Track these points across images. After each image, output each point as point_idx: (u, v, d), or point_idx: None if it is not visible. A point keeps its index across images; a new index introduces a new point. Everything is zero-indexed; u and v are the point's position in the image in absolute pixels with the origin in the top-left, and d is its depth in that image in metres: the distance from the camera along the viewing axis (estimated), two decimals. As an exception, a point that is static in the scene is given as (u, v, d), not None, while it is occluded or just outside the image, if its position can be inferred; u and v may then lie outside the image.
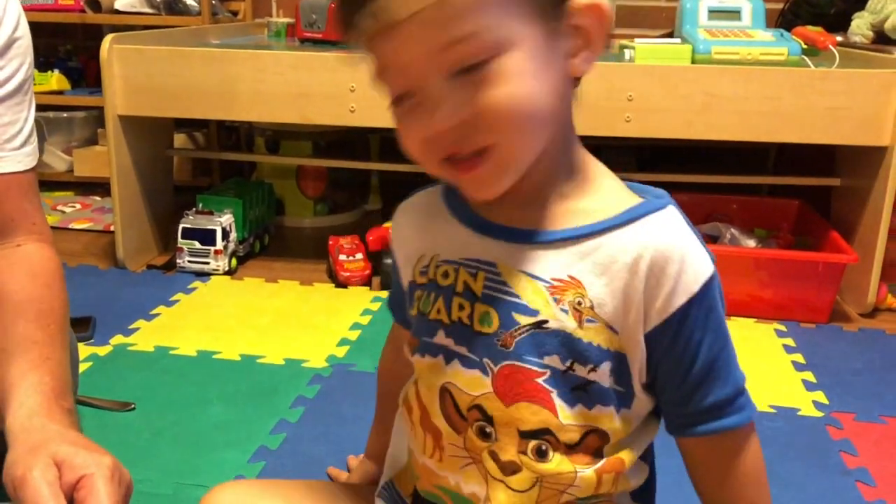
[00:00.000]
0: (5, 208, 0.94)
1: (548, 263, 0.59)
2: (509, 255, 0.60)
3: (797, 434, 1.21)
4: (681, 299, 0.57)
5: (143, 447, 1.12)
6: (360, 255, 1.77)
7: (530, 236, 0.59)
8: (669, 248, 0.57)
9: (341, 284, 1.74)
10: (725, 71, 1.60)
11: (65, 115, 2.35)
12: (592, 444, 0.61)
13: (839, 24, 1.97)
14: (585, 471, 0.60)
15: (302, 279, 1.78)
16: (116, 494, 0.72)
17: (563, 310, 0.58)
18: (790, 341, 1.53)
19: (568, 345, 0.58)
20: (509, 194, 0.59)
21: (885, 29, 1.81)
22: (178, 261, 1.78)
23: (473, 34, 0.51)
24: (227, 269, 1.78)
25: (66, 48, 2.52)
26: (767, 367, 1.43)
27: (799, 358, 1.46)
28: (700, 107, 1.60)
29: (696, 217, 1.86)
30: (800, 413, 1.27)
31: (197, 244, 1.76)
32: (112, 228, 2.00)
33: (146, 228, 1.89)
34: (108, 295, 1.65)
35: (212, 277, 1.76)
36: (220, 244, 1.76)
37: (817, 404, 1.29)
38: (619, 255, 0.58)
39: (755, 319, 1.63)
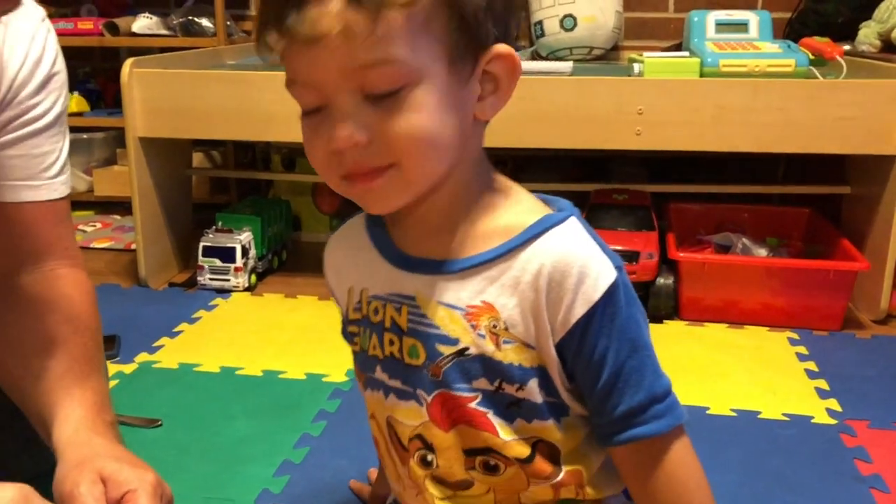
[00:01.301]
0: (42, 234, 0.98)
1: (461, 291, 0.60)
2: (426, 287, 0.62)
3: (811, 441, 1.22)
4: (581, 309, 0.58)
5: (171, 463, 1.15)
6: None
7: (443, 266, 0.61)
8: (566, 260, 0.58)
9: (359, 299, 1.77)
10: (734, 83, 1.62)
11: (84, 136, 2.40)
12: (545, 454, 0.62)
13: (846, 33, 1.99)
14: (541, 484, 0.63)
15: (320, 294, 1.81)
16: None
17: (480, 335, 0.60)
18: (803, 349, 1.55)
19: (491, 367, 0.60)
20: (420, 224, 0.62)
21: (892, 38, 1.83)
22: (198, 278, 1.82)
23: (385, 62, 0.53)
24: (246, 285, 1.81)
25: (84, 70, 2.57)
26: (781, 375, 1.45)
27: (812, 366, 1.48)
28: (710, 119, 1.62)
29: (706, 227, 1.90)
30: (813, 421, 1.28)
31: (217, 262, 1.80)
32: (133, 247, 2.04)
33: (167, 246, 1.92)
34: (131, 313, 1.68)
35: (232, 294, 1.80)
36: (239, 261, 1.79)
37: (831, 412, 1.31)
38: (522, 275, 0.59)
39: (768, 328, 1.65)
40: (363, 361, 0.68)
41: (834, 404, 1.33)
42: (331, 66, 0.53)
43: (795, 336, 1.61)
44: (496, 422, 0.61)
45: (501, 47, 0.58)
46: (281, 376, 1.42)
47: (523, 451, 0.62)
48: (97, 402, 0.89)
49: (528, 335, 0.60)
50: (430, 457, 0.64)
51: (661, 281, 1.68)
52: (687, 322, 1.68)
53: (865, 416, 1.29)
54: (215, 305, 1.74)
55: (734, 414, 1.29)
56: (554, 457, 0.62)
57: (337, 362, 1.46)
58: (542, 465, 0.62)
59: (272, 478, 1.11)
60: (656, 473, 0.62)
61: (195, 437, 1.22)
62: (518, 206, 0.63)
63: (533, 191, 0.66)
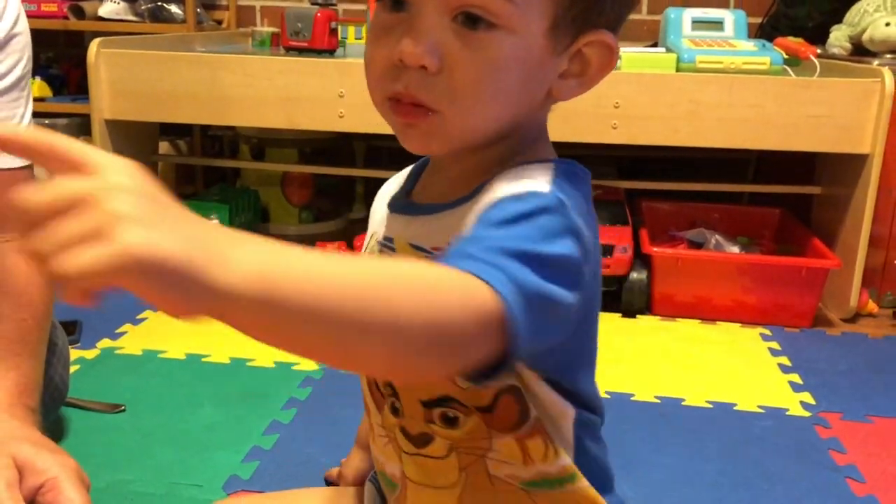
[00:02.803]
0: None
1: (430, 234, 0.58)
2: (403, 229, 0.60)
3: (786, 433, 1.22)
4: (494, 197, 0.53)
5: (135, 448, 1.10)
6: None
7: (421, 210, 0.60)
8: (515, 179, 0.53)
9: (329, 290, 1.73)
10: (710, 79, 1.63)
11: (46, 121, 2.33)
12: (511, 404, 0.58)
13: (817, 36, 2.01)
14: (504, 437, 0.58)
15: (289, 285, 1.77)
16: (85, 497, 0.72)
17: None
18: (775, 345, 1.55)
19: None
20: (445, 178, 0.59)
21: (862, 41, 1.85)
22: (163, 266, 1.77)
23: None
24: (213, 274, 1.77)
25: (47, 56, 2.50)
26: (754, 369, 1.45)
27: (785, 360, 1.48)
28: (685, 114, 1.62)
29: (678, 225, 1.90)
30: (788, 413, 1.28)
31: (183, 249, 1.75)
32: (95, 235, 1.99)
33: (131, 234, 1.87)
34: (92, 300, 1.63)
35: (198, 283, 1.75)
36: (206, 249, 1.75)
37: (805, 405, 1.31)
38: (479, 205, 0.54)
39: (740, 324, 1.65)
40: None
41: (807, 397, 1.33)
42: None
43: (767, 332, 1.61)
44: None
45: (607, 35, 0.55)
46: (249, 364, 1.38)
47: (485, 398, 0.58)
48: (20, 384, 0.85)
49: None
50: (397, 404, 0.62)
51: (634, 276, 1.67)
52: (660, 317, 1.67)
53: (838, 409, 1.30)
54: (181, 294, 1.69)
55: (710, 406, 1.29)
56: (521, 402, 0.58)
57: (307, 351, 1.43)
58: (505, 414, 0.58)
59: (241, 464, 1.07)
60: None
61: (160, 423, 1.17)
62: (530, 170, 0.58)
63: None
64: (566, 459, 0.60)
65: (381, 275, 0.42)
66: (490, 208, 0.51)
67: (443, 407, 0.59)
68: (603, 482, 0.64)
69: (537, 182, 0.53)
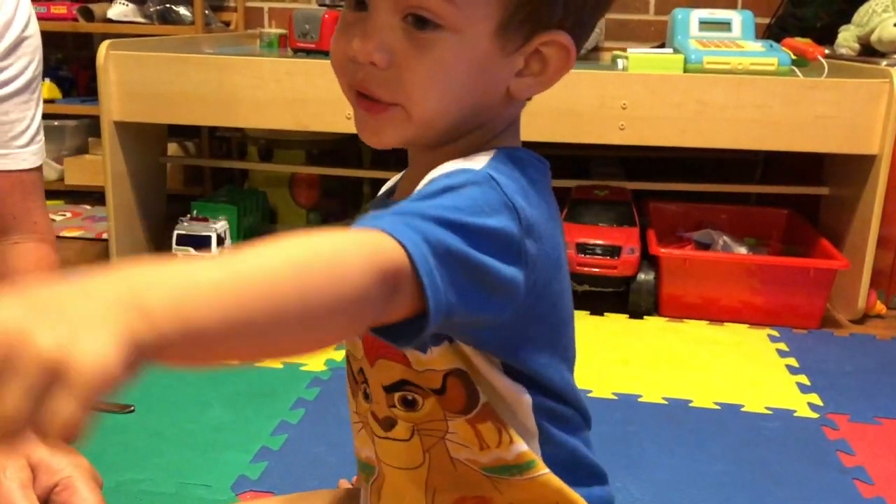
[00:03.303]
0: (7, 205, 0.94)
1: None
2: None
3: (794, 434, 1.22)
4: (432, 176, 0.53)
5: (145, 448, 1.11)
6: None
7: (387, 204, 0.60)
8: (449, 166, 0.54)
9: (336, 291, 1.74)
10: (717, 80, 1.63)
11: (55, 123, 2.34)
12: (458, 386, 0.59)
13: (825, 37, 2.00)
14: (457, 419, 0.60)
15: (297, 286, 1.77)
16: (99, 496, 0.72)
17: None
18: (783, 346, 1.55)
19: None
20: (414, 175, 0.59)
21: (871, 41, 1.85)
22: (172, 267, 1.77)
23: None
24: (221, 275, 1.78)
25: (56, 57, 2.51)
26: (762, 370, 1.44)
27: (792, 362, 1.48)
28: (692, 115, 1.62)
29: (686, 226, 1.90)
30: (796, 414, 1.28)
31: (191, 250, 1.76)
32: (104, 236, 2.00)
33: (139, 235, 1.88)
34: (102, 300, 1.64)
35: (206, 284, 1.76)
36: (214, 250, 1.75)
37: (812, 406, 1.31)
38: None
39: (748, 325, 1.65)
40: None
41: (815, 399, 1.33)
42: None
43: (775, 333, 1.61)
44: (408, 352, 0.59)
45: (562, 36, 0.55)
46: (257, 365, 1.39)
47: (435, 381, 0.59)
48: None
49: None
50: (368, 390, 0.63)
51: (641, 277, 1.67)
52: (667, 318, 1.67)
53: (846, 411, 1.29)
54: (189, 295, 1.70)
55: (718, 407, 1.29)
56: (470, 388, 0.59)
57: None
58: (455, 397, 0.59)
59: (249, 464, 1.08)
60: None
61: (169, 423, 1.18)
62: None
63: None
64: (522, 446, 0.60)
65: (284, 264, 0.41)
66: (422, 187, 0.52)
67: (401, 391, 0.61)
68: (580, 475, 0.63)
69: (472, 163, 0.54)
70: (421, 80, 0.54)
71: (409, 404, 0.61)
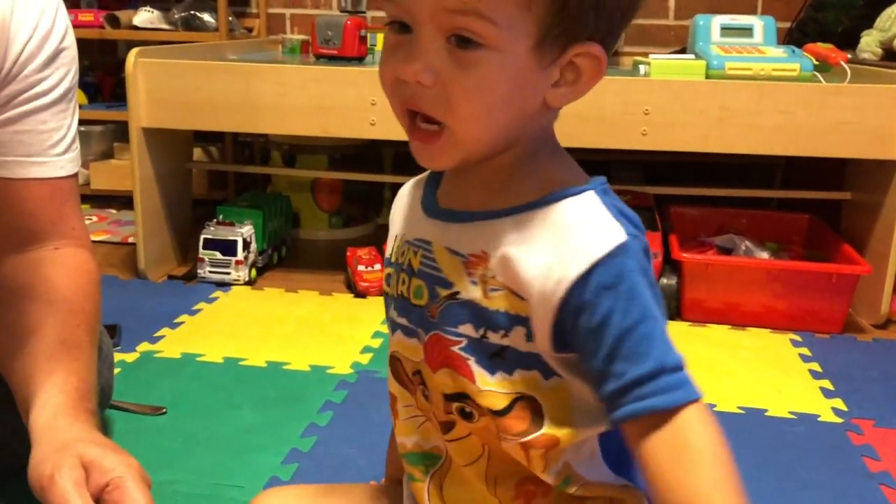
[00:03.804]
0: (46, 212, 0.96)
1: (467, 240, 0.62)
2: (441, 233, 0.64)
3: (818, 439, 1.22)
4: (581, 267, 0.56)
5: (178, 450, 1.13)
6: (378, 266, 1.79)
7: (460, 217, 0.63)
8: (572, 223, 0.58)
9: (360, 294, 1.76)
10: (739, 86, 1.63)
11: (82, 129, 2.37)
12: (525, 411, 0.61)
13: (847, 42, 2.01)
14: (511, 440, 0.62)
15: (321, 289, 1.80)
16: (148, 496, 0.74)
17: (473, 282, 0.61)
18: (806, 351, 1.56)
19: (477, 314, 0.61)
20: (463, 182, 0.64)
21: (893, 46, 1.85)
22: (199, 271, 1.80)
23: (478, 15, 0.54)
24: (247, 279, 1.80)
25: (83, 64, 2.54)
26: (785, 375, 1.45)
27: (816, 367, 1.48)
28: (715, 121, 1.63)
29: (707, 230, 1.91)
30: (820, 419, 1.29)
31: (218, 255, 1.78)
32: (130, 240, 2.03)
33: (166, 239, 1.91)
34: (131, 304, 1.67)
35: (232, 287, 1.78)
36: (241, 255, 1.78)
37: (836, 411, 1.31)
38: (523, 231, 0.59)
39: (770, 330, 1.65)
40: (387, 301, 0.71)
41: (839, 404, 1.34)
42: (426, 0, 0.55)
43: (798, 338, 1.62)
44: (476, 370, 0.61)
45: (595, 48, 0.58)
46: (285, 367, 1.41)
47: (499, 403, 0.61)
48: (80, 389, 0.87)
49: (518, 285, 0.59)
50: (426, 392, 0.66)
51: (663, 281, 1.68)
52: (689, 323, 1.68)
53: (871, 416, 1.30)
54: (216, 298, 1.72)
55: (742, 412, 1.30)
56: (536, 414, 0.61)
57: (342, 355, 1.45)
58: (515, 421, 0.61)
59: (280, 465, 1.10)
60: (667, 450, 0.56)
61: (201, 425, 1.20)
62: (552, 177, 0.62)
63: None
64: (568, 471, 0.63)
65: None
66: (588, 294, 0.56)
67: (460, 402, 0.63)
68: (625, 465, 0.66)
69: (604, 230, 0.57)
70: (466, 97, 0.56)
71: (466, 416, 0.64)
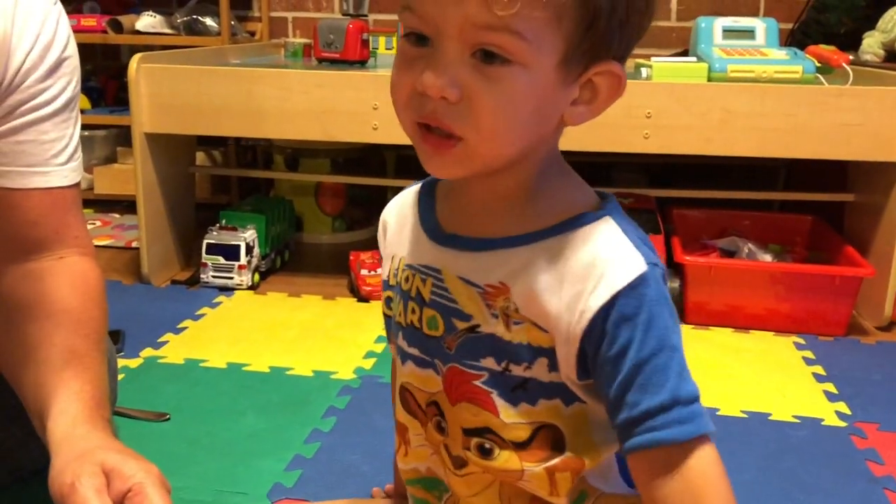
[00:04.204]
0: (50, 221, 0.97)
1: (482, 270, 0.61)
2: (452, 261, 0.62)
3: (822, 443, 1.22)
4: (603, 298, 0.56)
5: (181, 456, 1.13)
6: (381, 270, 1.79)
7: (471, 244, 0.62)
8: (593, 254, 0.58)
9: (363, 299, 1.76)
10: (742, 88, 1.63)
11: (85, 133, 2.38)
12: (546, 440, 0.61)
13: (849, 43, 2.01)
14: (534, 468, 0.61)
15: (324, 294, 1.80)
16: (169, 502, 0.74)
17: (493, 315, 0.60)
18: (809, 354, 1.55)
19: (500, 347, 0.60)
20: (467, 202, 0.62)
21: (895, 48, 1.85)
22: (202, 276, 1.81)
23: (509, 31, 0.53)
24: (250, 283, 1.80)
25: (86, 69, 2.55)
26: (788, 378, 1.45)
27: (819, 370, 1.48)
28: (717, 123, 1.63)
29: (709, 233, 1.91)
30: (824, 423, 1.28)
31: (221, 259, 1.79)
32: (133, 245, 2.03)
33: (169, 244, 1.91)
34: (134, 309, 1.67)
35: (235, 292, 1.78)
36: (244, 259, 1.78)
37: (840, 415, 1.31)
38: (544, 262, 0.59)
39: (774, 333, 1.65)
40: (393, 327, 0.69)
41: (843, 407, 1.34)
42: (457, 12, 0.53)
43: (801, 341, 1.61)
44: (499, 403, 0.61)
45: (616, 66, 0.58)
46: (288, 373, 1.41)
47: (522, 434, 0.61)
48: (95, 398, 0.87)
49: (541, 318, 0.59)
50: (443, 423, 0.65)
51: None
52: (692, 326, 1.68)
53: (875, 419, 1.30)
54: (219, 303, 1.73)
55: (745, 415, 1.29)
56: (557, 442, 0.61)
57: (345, 360, 1.46)
58: (537, 450, 0.61)
59: (284, 472, 1.10)
60: (673, 486, 0.56)
61: (204, 431, 1.20)
62: (564, 201, 0.62)
63: None
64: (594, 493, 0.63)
65: None
66: (609, 325, 0.57)
67: (481, 437, 0.62)
68: None
69: (625, 260, 0.57)
70: (491, 113, 0.55)
71: (485, 452, 0.62)
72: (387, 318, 0.70)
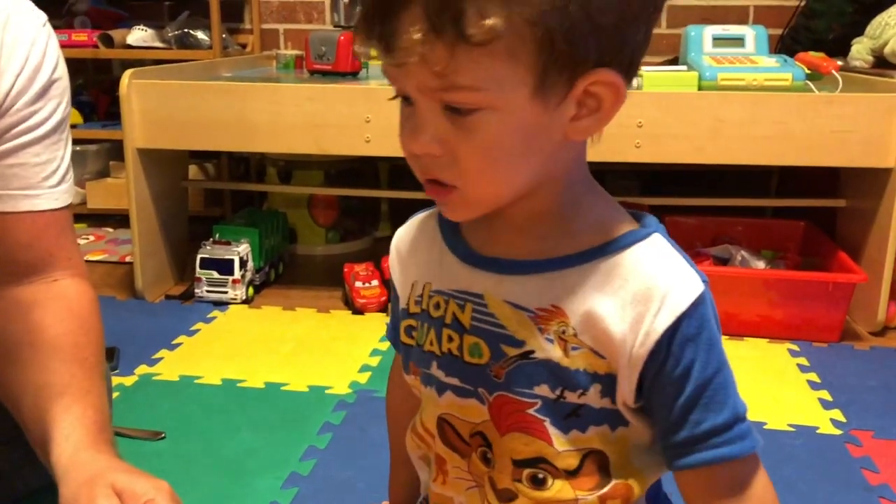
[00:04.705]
0: (43, 244, 0.96)
1: (531, 293, 0.59)
2: (495, 285, 0.61)
3: (817, 452, 1.23)
4: (668, 320, 0.56)
5: (178, 475, 1.12)
6: (375, 282, 1.79)
7: (515, 267, 0.60)
8: (654, 274, 0.57)
9: (358, 311, 1.76)
10: (732, 97, 1.64)
11: (77, 148, 2.36)
12: (594, 467, 0.61)
13: (838, 49, 2.01)
14: (588, 497, 0.61)
15: (319, 307, 1.80)
16: None
17: (548, 339, 0.58)
18: (804, 360, 1.56)
19: (556, 374, 0.59)
20: (499, 226, 0.61)
21: (884, 54, 1.86)
22: (196, 290, 1.80)
23: (461, 87, 0.52)
24: (244, 297, 1.80)
25: (77, 83, 2.55)
26: (783, 386, 1.45)
27: (814, 377, 1.48)
28: (709, 132, 1.64)
29: (702, 239, 1.91)
30: (819, 431, 1.29)
31: (215, 274, 1.79)
32: (127, 259, 2.03)
33: (163, 259, 1.91)
34: (128, 325, 1.67)
35: (230, 306, 1.78)
36: (237, 273, 1.78)
37: (835, 422, 1.31)
38: (602, 284, 0.58)
39: (768, 340, 1.66)
40: (418, 357, 0.66)
41: (838, 415, 1.34)
42: (412, 82, 0.54)
43: (795, 348, 1.62)
44: (552, 431, 0.60)
45: (606, 74, 0.54)
46: (284, 388, 1.41)
47: (573, 462, 0.60)
48: (98, 422, 0.87)
49: (598, 344, 0.58)
50: (489, 454, 0.63)
51: (660, 293, 1.68)
52: (687, 334, 1.68)
53: (870, 427, 1.30)
54: (213, 318, 1.73)
55: (740, 424, 1.30)
56: (603, 468, 0.61)
57: (340, 374, 1.46)
58: (587, 478, 0.61)
59: (280, 490, 1.10)
60: (735, 500, 0.59)
61: (200, 449, 1.20)
62: (603, 218, 0.61)
63: None
64: None
65: None
66: (675, 346, 0.57)
67: (533, 468, 0.61)
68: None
69: (685, 281, 0.58)
70: (473, 161, 0.55)
71: (538, 482, 0.61)
72: (406, 347, 0.67)
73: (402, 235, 0.70)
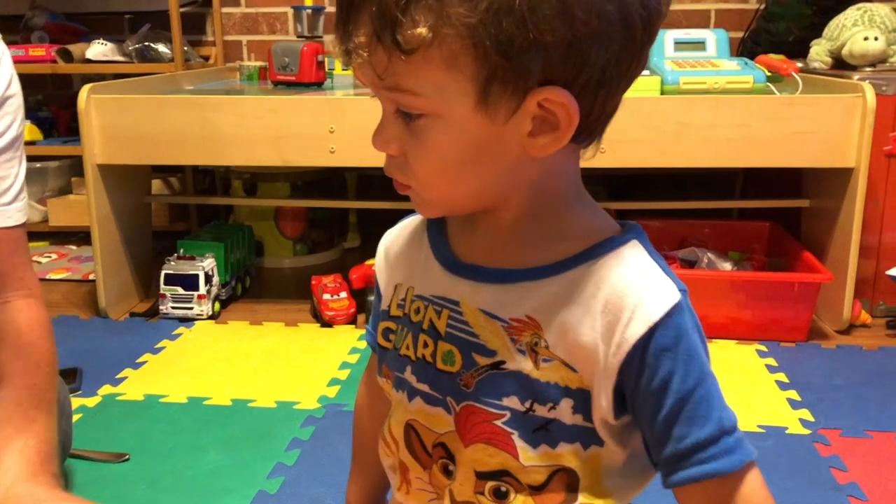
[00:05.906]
0: None
1: (506, 303, 0.58)
2: (472, 293, 0.60)
3: (787, 452, 1.23)
4: (640, 329, 0.54)
5: (142, 498, 1.11)
6: (343, 294, 1.78)
7: (493, 276, 0.59)
8: (626, 281, 0.56)
9: (326, 324, 1.74)
10: (695, 100, 1.65)
11: (38, 165, 2.34)
12: (561, 485, 0.59)
13: (798, 51, 2.04)
14: None
15: (286, 320, 1.78)
16: None
17: (520, 350, 0.57)
18: (772, 361, 1.57)
19: (526, 386, 0.57)
20: (477, 232, 0.60)
21: (842, 55, 1.88)
22: (161, 307, 1.78)
23: (403, 91, 0.53)
24: (210, 313, 1.78)
25: (36, 98, 2.51)
26: (752, 387, 1.46)
27: (782, 377, 1.49)
28: (672, 136, 1.64)
29: (669, 243, 1.92)
30: (788, 431, 1.29)
31: (180, 290, 1.76)
32: (91, 277, 2.00)
33: (127, 276, 1.88)
34: (92, 345, 1.64)
35: (196, 322, 1.76)
36: (203, 289, 1.76)
37: (804, 422, 1.32)
38: (575, 294, 0.57)
39: (736, 341, 1.66)
40: (393, 360, 0.65)
41: (806, 414, 1.35)
42: (365, 79, 0.57)
43: (763, 348, 1.63)
44: (520, 445, 0.58)
45: (554, 92, 0.52)
46: (251, 405, 1.39)
47: (539, 478, 0.59)
48: (41, 452, 0.85)
49: (571, 357, 0.57)
50: (451, 467, 0.61)
51: (629, 297, 1.68)
52: (656, 337, 1.68)
53: (837, 426, 1.31)
54: (179, 334, 1.70)
55: (710, 427, 1.30)
56: (572, 486, 0.59)
57: (308, 389, 1.44)
58: (553, 494, 0.59)
59: (248, 510, 1.08)
60: None
61: (166, 470, 1.18)
62: (586, 228, 0.60)
63: None
64: None
65: None
66: (649, 357, 0.55)
67: (497, 480, 0.59)
68: None
69: (659, 289, 0.56)
70: (422, 164, 0.56)
71: (500, 496, 0.60)
72: (382, 349, 0.66)
73: (391, 237, 0.69)
